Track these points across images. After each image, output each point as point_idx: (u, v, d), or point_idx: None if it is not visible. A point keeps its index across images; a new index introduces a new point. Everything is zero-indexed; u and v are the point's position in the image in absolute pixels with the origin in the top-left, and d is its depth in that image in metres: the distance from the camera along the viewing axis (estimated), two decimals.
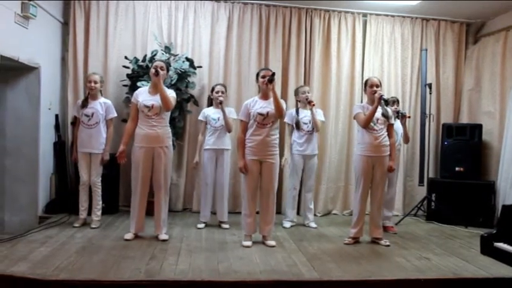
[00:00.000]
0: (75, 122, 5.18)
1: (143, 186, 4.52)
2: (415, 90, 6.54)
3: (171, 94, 4.53)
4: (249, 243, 4.42)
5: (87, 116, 4.91)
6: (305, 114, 5.28)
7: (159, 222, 4.54)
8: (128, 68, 5.73)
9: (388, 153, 4.63)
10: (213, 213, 5.38)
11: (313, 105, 5.20)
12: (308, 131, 5.28)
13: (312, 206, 5.49)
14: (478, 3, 5.81)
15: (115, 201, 5.73)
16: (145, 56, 5.74)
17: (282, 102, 4.38)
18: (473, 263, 4.08)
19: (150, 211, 4.63)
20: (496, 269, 3.77)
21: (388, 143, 4.64)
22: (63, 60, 5.94)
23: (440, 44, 6.62)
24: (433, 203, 5.98)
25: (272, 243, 4.46)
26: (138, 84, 5.28)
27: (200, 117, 5.28)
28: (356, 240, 4.72)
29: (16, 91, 5.08)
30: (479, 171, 6.07)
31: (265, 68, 4.81)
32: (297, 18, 6.29)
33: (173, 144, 4.97)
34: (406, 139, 5.56)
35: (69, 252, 3.96)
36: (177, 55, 5.81)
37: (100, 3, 5.92)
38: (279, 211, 5.65)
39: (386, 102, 4.71)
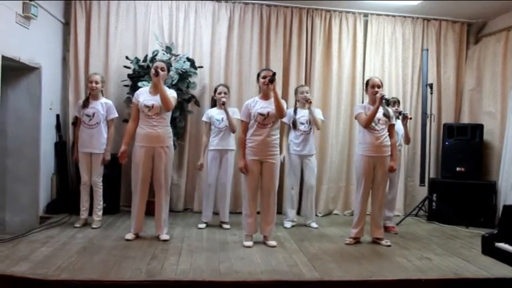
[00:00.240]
0: (76, 122, 5.18)
1: (144, 186, 4.52)
2: (416, 90, 6.54)
3: (172, 94, 4.53)
4: (250, 243, 4.42)
5: (88, 116, 4.91)
6: (303, 114, 5.29)
7: (160, 222, 4.54)
8: (129, 68, 5.73)
9: (389, 153, 4.63)
10: (215, 213, 5.38)
11: (310, 102, 5.20)
12: (305, 131, 5.28)
13: (312, 206, 5.49)
14: (479, 3, 5.80)
15: (116, 201, 5.73)
16: (146, 56, 5.74)
17: (283, 102, 4.38)
18: (474, 263, 4.07)
19: (151, 211, 4.63)
20: (497, 269, 3.76)
21: (389, 143, 4.64)
22: (64, 60, 5.94)
23: (441, 44, 6.62)
24: (434, 203, 5.97)
25: (273, 243, 4.46)
26: (139, 84, 5.29)
27: (204, 119, 5.28)
28: (357, 241, 4.72)
29: (17, 91, 5.09)
30: (480, 171, 6.06)
31: (266, 69, 4.80)
32: (298, 18, 6.29)
33: (174, 144, 4.97)
34: (407, 140, 5.56)
35: (70, 252, 3.96)
36: (178, 55, 5.81)
37: (101, 3, 5.93)
38: (279, 211, 5.65)
39: (387, 103, 4.71)
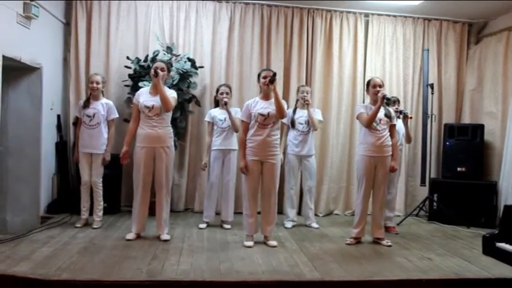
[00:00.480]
0: (77, 122, 5.18)
1: (145, 186, 4.53)
2: (416, 90, 6.54)
3: (172, 94, 4.53)
4: (250, 243, 4.42)
5: (88, 116, 4.91)
6: (301, 115, 5.29)
7: (161, 222, 4.55)
8: (129, 68, 5.73)
9: (390, 153, 4.63)
10: (216, 213, 5.39)
11: (308, 103, 5.20)
12: (303, 132, 5.28)
13: (312, 206, 5.48)
14: (480, 3, 5.80)
15: (117, 202, 5.73)
16: (147, 56, 5.74)
17: (284, 102, 4.38)
18: (475, 263, 4.07)
19: (151, 211, 4.64)
20: (498, 270, 3.76)
21: (390, 143, 4.63)
22: (65, 60, 5.94)
23: (442, 44, 6.61)
24: (434, 203, 5.97)
25: (274, 243, 4.46)
26: (140, 84, 5.29)
27: (206, 119, 5.28)
28: (358, 241, 4.72)
29: (18, 91, 5.09)
30: (481, 171, 6.06)
31: (267, 69, 4.80)
32: (299, 18, 6.28)
33: (175, 145, 4.97)
34: (409, 139, 5.56)
35: (71, 252, 3.96)
36: (178, 55, 5.81)
37: (102, 3, 5.93)
38: (280, 211, 5.64)
39: (388, 102, 4.71)
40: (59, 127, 5.75)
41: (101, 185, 5.00)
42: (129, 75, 5.71)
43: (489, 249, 3.14)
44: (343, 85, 6.33)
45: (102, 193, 5.02)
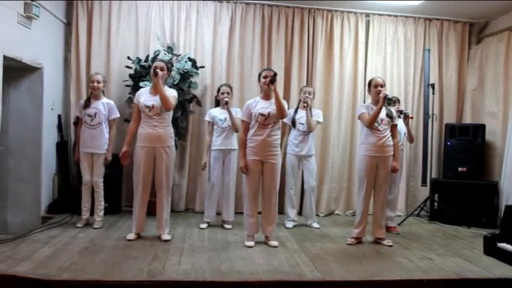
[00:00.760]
0: (78, 122, 5.18)
1: (145, 186, 4.53)
2: (417, 90, 6.53)
3: (172, 94, 4.53)
4: (251, 243, 4.42)
5: (89, 116, 4.92)
6: (302, 115, 5.28)
7: (161, 222, 4.55)
8: (130, 68, 5.73)
9: (392, 153, 4.63)
10: (217, 213, 5.39)
11: (305, 106, 5.20)
12: (304, 132, 5.28)
13: (313, 207, 5.48)
14: (481, 3, 5.79)
15: (118, 202, 5.73)
16: (148, 56, 5.75)
17: (284, 103, 4.38)
18: (476, 263, 4.07)
19: (152, 211, 4.64)
20: (499, 270, 3.76)
21: (391, 143, 4.64)
22: (66, 60, 5.94)
23: (443, 44, 6.61)
24: (435, 203, 5.96)
25: (275, 243, 4.46)
26: (141, 84, 5.29)
27: (207, 118, 5.28)
28: (359, 241, 4.72)
29: (19, 91, 5.09)
30: (483, 171, 6.05)
31: (267, 69, 4.80)
32: (300, 18, 6.28)
33: (176, 145, 4.97)
34: (411, 139, 5.56)
35: (71, 252, 3.97)
36: (179, 55, 5.82)
37: (102, 3, 5.93)
38: (281, 211, 5.64)
39: (389, 102, 4.70)
40: (59, 127, 5.75)
41: (102, 184, 5.01)
42: (130, 75, 5.71)
43: (490, 249, 3.14)
44: (344, 85, 6.32)
45: (103, 193, 5.02)
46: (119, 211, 5.69)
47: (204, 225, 5.17)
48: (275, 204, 4.52)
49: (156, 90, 4.43)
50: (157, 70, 4.40)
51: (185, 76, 5.66)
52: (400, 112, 5.25)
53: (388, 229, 5.16)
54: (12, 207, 5.08)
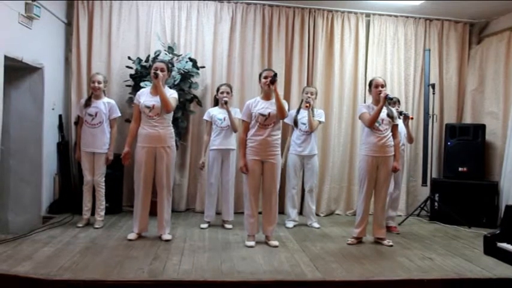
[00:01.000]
0: (79, 121, 5.19)
1: (146, 186, 4.53)
2: (418, 90, 6.53)
3: (173, 95, 4.53)
4: (252, 243, 4.43)
5: (90, 115, 4.92)
6: (305, 115, 5.29)
7: (162, 222, 4.55)
8: (131, 68, 5.74)
9: (393, 153, 4.64)
10: (217, 213, 5.39)
11: (307, 107, 5.20)
12: (306, 132, 5.29)
13: (313, 206, 5.49)
14: (482, 3, 5.79)
15: (118, 201, 5.74)
16: (149, 56, 5.75)
17: (285, 103, 4.39)
18: (476, 263, 4.06)
19: (153, 211, 4.64)
20: (499, 270, 3.76)
21: (392, 143, 4.64)
22: (67, 60, 5.95)
23: (444, 44, 6.61)
24: (436, 203, 5.97)
25: (275, 243, 4.46)
26: (142, 84, 5.29)
27: (205, 117, 5.28)
28: (359, 240, 4.72)
29: (20, 91, 5.10)
30: (483, 171, 6.05)
31: (268, 69, 4.79)
32: (300, 19, 6.29)
33: (176, 145, 4.98)
34: (410, 139, 5.55)
35: (72, 252, 3.97)
36: (180, 55, 5.82)
37: (103, 3, 5.94)
38: (281, 211, 5.64)
39: (390, 102, 4.71)
40: (60, 127, 5.75)
41: (104, 184, 5.02)
42: (131, 76, 5.72)
43: (490, 249, 3.14)
44: (344, 85, 6.33)
45: (104, 193, 5.03)
46: (119, 211, 5.70)
47: (204, 225, 5.17)
48: (275, 204, 4.52)
49: (156, 91, 4.44)
50: (158, 72, 4.39)
51: (186, 76, 5.67)
52: (399, 113, 5.25)
53: (389, 229, 5.16)
54: (13, 207, 5.10)
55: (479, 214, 5.72)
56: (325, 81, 6.33)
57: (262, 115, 4.36)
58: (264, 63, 6.18)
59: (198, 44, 6.13)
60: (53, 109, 5.53)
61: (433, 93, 5.97)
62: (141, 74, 5.61)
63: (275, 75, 4.31)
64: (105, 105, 4.98)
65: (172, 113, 4.62)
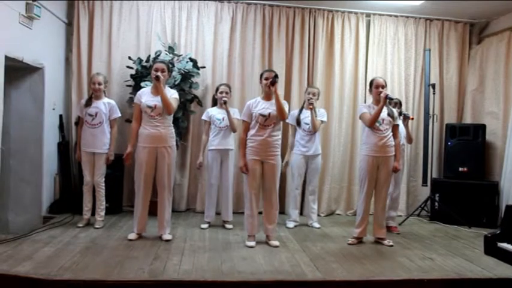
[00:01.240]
0: (79, 121, 5.19)
1: (146, 186, 4.53)
2: (418, 90, 6.53)
3: (173, 95, 4.53)
4: (252, 243, 4.43)
5: (90, 115, 4.92)
6: (307, 115, 5.28)
7: (163, 222, 4.56)
8: (131, 68, 5.74)
9: (393, 153, 4.64)
10: (217, 213, 5.39)
11: (310, 108, 5.20)
12: (309, 131, 5.29)
13: (315, 206, 5.49)
14: (482, 3, 5.79)
15: (119, 201, 5.74)
16: (149, 56, 5.75)
17: (285, 103, 4.39)
18: (476, 263, 4.06)
19: (153, 211, 4.64)
20: (500, 270, 3.76)
21: (393, 143, 4.64)
22: (67, 60, 5.95)
23: (444, 44, 6.61)
24: (436, 203, 5.97)
25: (275, 243, 4.46)
26: (142, 84, 5.29)
27: (204, 117, 5.28)
28: (359, 240, 4.72)
29: (20, 91, 5.10)
30: (483, 171, 6.05)
31: (269, 70, 4.78)
32: (301, 19, 6.29)
33: (177, 145, 4.98)
34: (410, 140, 5.55)
35: (73, 252, 3.97)
36: (180, 55, 5.82)
37: (104, 3, 5.94)
38: (282, 211, 5.65)
39: (390, 102, 4.71)
40: (61, 127, 5.75)
41: (104, 184, 5.02)
42: (131, 76, 5.72)
43: (491, 249, 3.14)
44: (344, 85, 6.33)
45: (105, 193, 5.03)
46: (120, 211, 5.70)
47: (205, 226, 5.17)
48: (276, 204, 4.52)
49: (157, 91, 4.43)
50: (159, 74, 4.38)
51: (186, 76, 5.67)
52: (399, 114, 5.25)
53: (389, 229, 5.17)
54: (14, 207, 5.10)
55: (480, 214, 5.72)
56: (326, 81, 6.33)
57: (263, 115, 4.36)
58: (264, 63, 6.18)
59: (199, 44, 6.13)
60: (53, 109, 5.54)
61: (433, 93, 5.97)
62: (142, 74, 5.61)
63: (276, 76, 4.32)
64: (106, 105, 4.97)
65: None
